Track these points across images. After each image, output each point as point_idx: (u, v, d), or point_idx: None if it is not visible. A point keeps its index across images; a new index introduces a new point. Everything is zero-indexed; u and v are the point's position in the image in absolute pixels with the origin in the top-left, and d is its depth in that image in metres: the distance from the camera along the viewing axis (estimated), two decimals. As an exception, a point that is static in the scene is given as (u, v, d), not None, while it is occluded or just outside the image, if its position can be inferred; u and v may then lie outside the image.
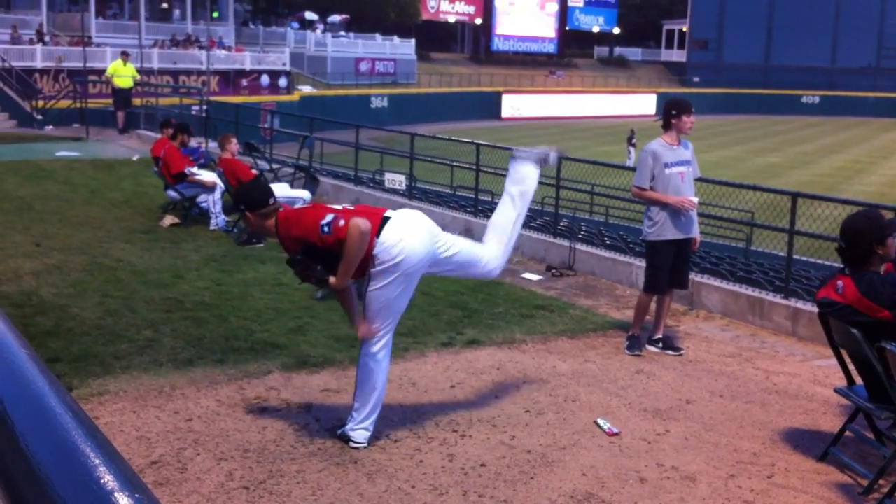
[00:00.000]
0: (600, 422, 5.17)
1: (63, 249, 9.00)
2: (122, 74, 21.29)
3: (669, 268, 6.63)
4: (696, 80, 69.47)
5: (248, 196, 4.69)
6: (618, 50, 74.50)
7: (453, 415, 5.19)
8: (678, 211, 6.50)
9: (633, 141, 31.41)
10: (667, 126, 6.65)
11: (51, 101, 24.55)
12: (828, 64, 72.34)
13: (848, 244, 4.57)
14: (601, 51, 74.07)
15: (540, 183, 14.37)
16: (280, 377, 5.64)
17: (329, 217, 4.43)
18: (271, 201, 4.61)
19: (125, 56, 21.94)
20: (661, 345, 6.74)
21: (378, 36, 52.45)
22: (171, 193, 11.09)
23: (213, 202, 10.71)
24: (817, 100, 71.07)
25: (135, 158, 16.92)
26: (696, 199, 6.59)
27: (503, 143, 13.39)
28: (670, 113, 6.59)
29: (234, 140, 10.59)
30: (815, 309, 5.01)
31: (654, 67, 72.80)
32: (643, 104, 62.17)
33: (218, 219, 10.69)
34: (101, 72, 23.63)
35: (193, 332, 6.46)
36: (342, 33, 51.45)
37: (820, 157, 38.70)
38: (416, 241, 4.56)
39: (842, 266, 4.74)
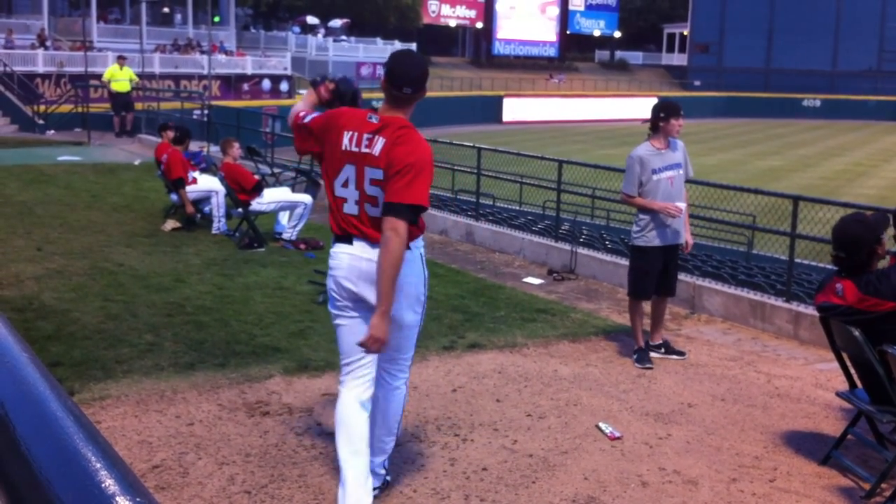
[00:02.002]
0: (602, 426, 5.17)
1: (64, 254, 9.01)
2: (119, 78, 21.33)
3: (657, 274, 6.55)
4: (697, 83, 69.52)
5: (391, 64, 3.94)
6: (619, 54, 74.52)
7: (455, 419, 5.19)
8: (666, 217, 6.43)
9: None
10: (654, 129, 6.50)
11: (52, 106, 24.60)
12: (829, 67, 72.36)
13: (849, 253, 4.59)
14: (602, 54, 74.10)
15: (541, 187, 14.36)
16: (281, 381, 5.64)
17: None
18: (406, 91, 3.79)
19: (122, 60, 21.98)
20: (662, 350, 6.70)
21: (379, 40, 52.49)
22: (175, 197, 11.10)
23: (216, 206, 10.72)
24: (818, 103, 71.07)
25: (136, 163, 16.94)
26: (682, 206, 6.42)
27: (504, 147, 13.42)
28: (658, 116, 6.46)
29: (237, 144, 10.60)
30: (817, 312, 5.00)
31: (655, 71, 72.85)
32: (644, 108, 61.74)
33: (220, 223, 10.70)
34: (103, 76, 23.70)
35: (195, 336, 6.46)
36: (343, 37, 51.49)
37: (821, 160, 38.69)
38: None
39: (837, 269, 4.75)
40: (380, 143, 3.69)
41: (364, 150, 3.72)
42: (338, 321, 3.91)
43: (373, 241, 3.72)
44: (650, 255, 6.50)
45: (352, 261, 3.77)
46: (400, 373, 4.06)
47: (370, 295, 3.71)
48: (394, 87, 3.81)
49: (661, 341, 6.76)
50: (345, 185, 3.78)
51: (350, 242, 3.78)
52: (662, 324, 6.89)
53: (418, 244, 3.86)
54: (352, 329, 3.86)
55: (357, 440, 3.85)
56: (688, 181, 6.79)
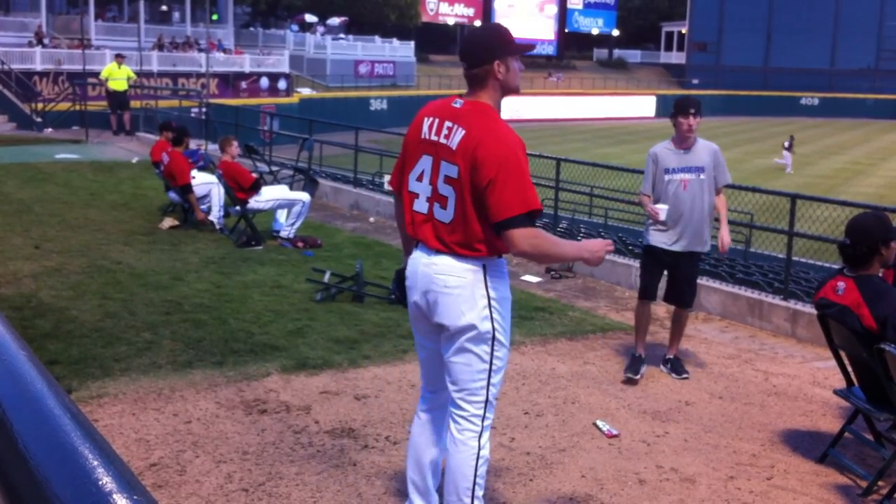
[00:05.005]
0: (599, 423, 5.17)
1: (62, 252, 9.00)
2: (117, 77, 21.32)
3: (659, 274, 6.26)
4: (695, 82, 69.54)
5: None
6: (617, 52, 74.56)
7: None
8: (674, 221, 5.96)
9: (786, 145, 32.22)
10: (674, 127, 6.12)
11: (50, 104, 24.57)
12: (827, 66, 72.44)
13: (853, 241, 4.56)
14: (600, 53, 74.14)
15: (539, 185, 14.46)
16: (279, 379, 5.64)
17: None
18: (464, 66, 3.31)
19: (120, 58, 21.96)
20: (669, 366, 6.32)
21: (377, 38, 52.49)
22: (173, 195, 11.09)
23: (216, 196, 10.69)
24: (816, 102, 71.16)
25: (134, 161, 16.93)
26: (661, 208, 5.85)
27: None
28: (671, 113, 6.08)
29: (235, 143, 10.58)
30: (815, 311, 5.00)
31: (653, 69, 72.87)
32: (642, 106, 62.21)
33: (220, 211, 10.68)
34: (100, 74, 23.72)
35: (192, 334, 6.45)
36: (341, 35, 51.50)
37: (819, 158, 38.69)
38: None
39: (840, 267, 4.74)
40: (458, 134, 3.22)
41: (442, 140, 3.26)
42: (417, 343, 3.62)
43: (431, 247, 3.32)
44: (652, 254, 6.20)
45: (411, 266, 3.43)
46: (463, 419, 3.40)
47: (429, 306, 3.35)
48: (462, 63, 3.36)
49: (671, 356, 6.36)
50: (419, 178, 3.34)
51: (417, 246, 3.42)
52: (678, 339, 6.42)
53: (482, 258, 3.29)
54: (427, 353, 3.55)
55: (419, 467, 3.62)
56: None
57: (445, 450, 3.52)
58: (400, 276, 3.67)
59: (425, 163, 3.32)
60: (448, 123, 3.28)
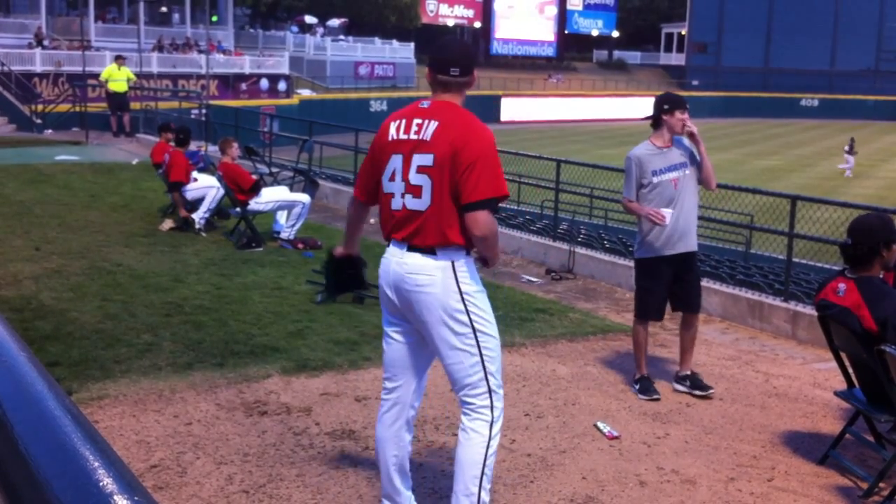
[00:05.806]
0: (600, 425, 5.17)
1: (62, 253, 9.00)
2: (117, 78, 21.33)
3: (663, 289, 5.77)
4: (695, 83, 69.58)
5: (434, 51, 3.78)
6: (617, 53, 74.61)
7: (453, 418, 5.17)
8: (673, 222, 5.62)
9: (847, 149, 32.68)
10: (656, 124, 5.75)
11: (50, 106, 24.57)
12: (827, 67, 72.48)
13: (855, 241, 4.55)
14: (600, 54, 74.18)
15: (539, 186, 14.34)
16: (279, 381, 5.64)
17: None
18: (454, 72, 3.55)
19: (120, 60, 21.97)
20: (688, 383, 5.85)
21: (377, 39, 52.51)
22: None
23: (210, 199, 10.66)
24: (816, 103, 71.19)
25: (134, 162, 16.93)
26: (667, 212, 5.57)
27: (502, 147, 13.44)
28: (662, 108, 5.68)
29: (236, 144, 10.58)
30: (815, 312, 4.99)
31: (653, 71, 72.91)
32: (642, 107, 62.06)
33: (204, 213, 10.63)
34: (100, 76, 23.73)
35: (193, 335, 6.45)
36: (341, 37, 51.52)
37: (819, 160, 38.72)
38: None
39: (841, 269, 4.73)
40: (431, 126, 3.39)
41: (412, 136, 3.43)
42: (385, 336, 3.72)
43: (403, 243, 3.47)
44: (652, 267, 5.75)
45: (385, 264, 3.57)
46: (472, 411, 3.51)
47: (403, 304, 3.50)
48: (440, 71, 3.53)
49: (688, 372, 5.91)
50: (392, 178, 3.48)
51: (390, 245, 3.57)
52: (692, 351, 5.98)
53: (451, 255, 3.43)
54: (392, 347, 3.68)
55: (384, 466, 3.74)
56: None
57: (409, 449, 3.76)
58: (336, 265, 3.89)
59: (395, 162, 3.48)
60: (417, 120, 3.46)
